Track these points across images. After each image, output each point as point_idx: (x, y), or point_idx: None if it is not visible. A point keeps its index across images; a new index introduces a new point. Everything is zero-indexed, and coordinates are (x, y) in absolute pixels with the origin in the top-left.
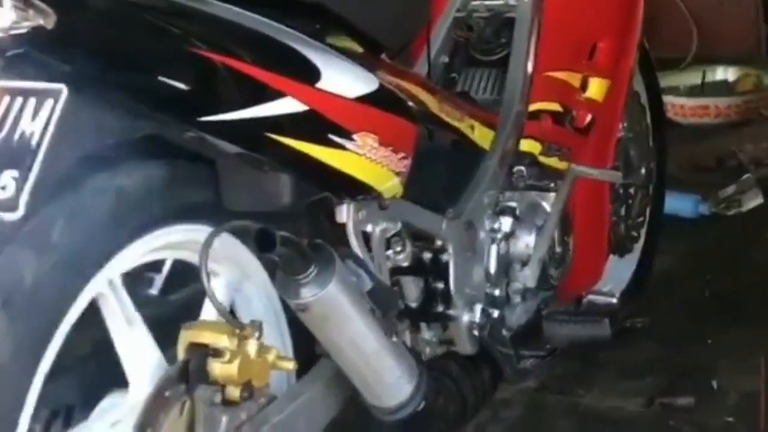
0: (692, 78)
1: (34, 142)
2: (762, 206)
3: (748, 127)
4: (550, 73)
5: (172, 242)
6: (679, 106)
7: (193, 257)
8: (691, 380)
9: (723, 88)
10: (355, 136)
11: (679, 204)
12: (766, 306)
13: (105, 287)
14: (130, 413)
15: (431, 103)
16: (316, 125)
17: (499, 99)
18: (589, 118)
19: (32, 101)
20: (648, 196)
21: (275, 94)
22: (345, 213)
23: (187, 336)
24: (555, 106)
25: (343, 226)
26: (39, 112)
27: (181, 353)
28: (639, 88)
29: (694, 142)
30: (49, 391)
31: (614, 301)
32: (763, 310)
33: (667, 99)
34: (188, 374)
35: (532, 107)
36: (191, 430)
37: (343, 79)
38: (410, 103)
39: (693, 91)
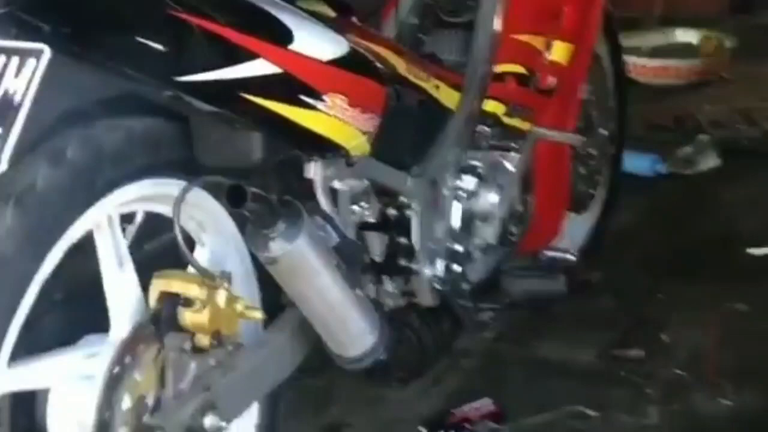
0: (655, 39)
1: (17, 99)
2: (718, 167)
3: (708, 89)
4: (516, 36)
5: (146, 195)
6: (641, 67)
7: (166, 210)
8: (643, 333)
9: (685, 49)
10: (325, 97)
11: (637, 163)
12: (718, 263)
13: (102, 222)
14: (106, 350)
15: (399, 64)
16: (288, 86)
17: (465, 60)
18: (552, 80)
19: (15, 60)
20: (607, 156)
21: (248, 56)
22: (313, 170)
23: (158, 285)
24: (519, 69)
25: (311, 182)
26: (21, 71)
27: (152, 302)
28: (602, 51)
29: (654, 102)
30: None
31: (571, 257)
32: (715, 268)
33: (630, 59)
34: (159, 322)
35: (497, 69)
36: (162, 376)
37: (315, 42)
38: (379, 65)
39: (655, 52)
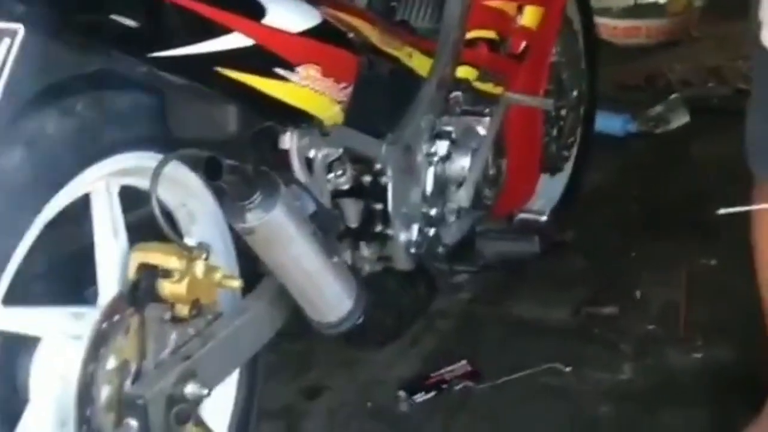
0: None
1: None
2: (688, 125)
3: (678, 48)
4: (487, 2)
5: (124, 168)
6: (611, 27)
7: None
8: (616, 291)
9: (655, 9)
10: (298, 69)
11: (608, 123)
12: (688, 221)
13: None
14: (93, 313)
15: (372, 33)
16: (262, 59)
17: (437, 27)
18: (523, 45)
19: None
20: (579, 117)
21: (222, 30)
22: (288, 140)
23: (137, 257)
24: (491, 34)
25: (286, 152)
26: None
27: (131, 273)
28: (572, 13)
29: (625, 62)
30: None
31: (544, 218)
32: (686, 225)
33: (600, 20)
34: (138, 293)
35: (469, 35)
36: (142, 346)
37: (288, 15)
38: (351, 35)
39: (625, 13)
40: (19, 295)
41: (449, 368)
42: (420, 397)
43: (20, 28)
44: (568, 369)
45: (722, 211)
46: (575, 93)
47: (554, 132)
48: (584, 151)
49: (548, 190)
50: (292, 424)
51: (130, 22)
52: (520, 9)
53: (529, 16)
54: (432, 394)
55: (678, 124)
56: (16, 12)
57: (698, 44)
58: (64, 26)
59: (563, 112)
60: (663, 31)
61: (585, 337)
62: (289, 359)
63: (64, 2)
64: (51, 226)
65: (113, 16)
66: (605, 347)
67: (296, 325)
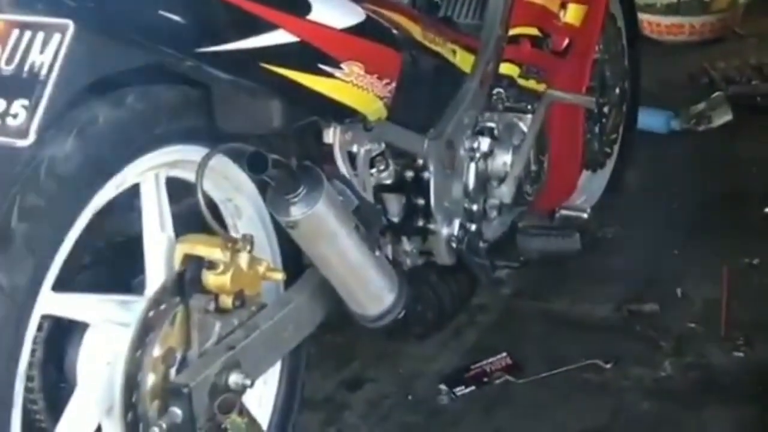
0: None
1: (43, 73)
2: (731, 123)
3: (721, 45)
4: None
5: (171, 161)
6: (655, 24)
7: (189, 175)
8: (657, 288)
9: (698, 6)
10: (342, 65)
11: (651, 120)
12: (731, 218)
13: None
14: (140, 301)
15: (415, 30)
16: (306, 55)
17: (481, 24)
18: (566, 41)
19: (41, 35)
20: (621, 114)
21: (268, 27)
22: (332, 135)
23: (182, 248)
24: (534, 31)
25: (330, 147)
26: (47, 46)
27: (176, 264)
28: (615, 10)
29: (668, 59)
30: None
31: (586, 215)
32: (728, 223)
33: (644, 17)
34: (183, 284)
35: (512, 32)
36: (187, 335)
37: (332, 12)
38: (395, 32)
39: (669, 9)
40: (68, 282)
41: (489, 360)
42: (460, 391)
43: (70, 24)
44: (608, 365)
45: None
46: (618, 90)
47: (596, 129)
48: (626, 148)
49: (590, 186)
50: (333, 415)
51: (178, 18)
52: (563, 6)
53: (573, 13)
54: (472, 387)
55: (721, 122)
56: (66, 8)
57: (742, 41)
58: (112, 22)
59: (606, 109)
60: (706, 28)
61: (626, 333)
62: (331, 351)
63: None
64: (100, 215)
65: (161, 12)
66: (646, 344)
67: (338, 317)
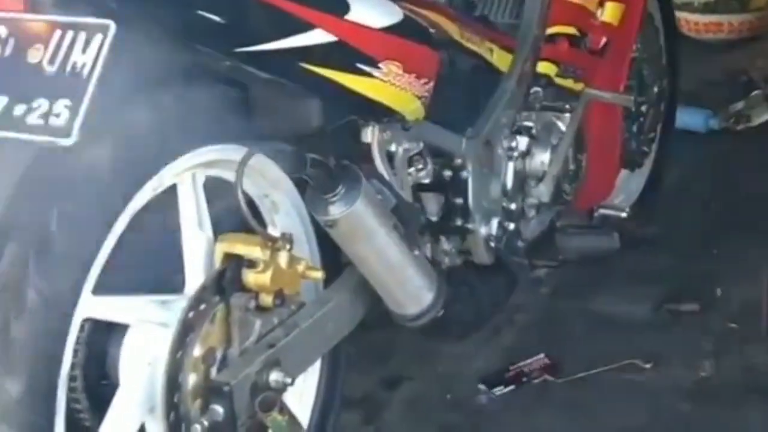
0: None
1: (85, 73)
2: None
3: (760, 44)
4: None
5: (209, 160)
6: (693, 22)
7: (226, 174)
8: (697, 288)
9: (737, 4)
10: (380, 65)
11: (689, 118)
12: None
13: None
14: (180, 301)
15: (452, 29)
16: (345, 55)
17: (518, 23)
18: (603, 40)
19: (83, 35)
20: (660, 113)
21: (307, 26)
22: (370, 134)
23: (222, 247)
24: (571, 30)
25: (368, 146)
26: (89, 46)
27: (217, 263)
28: (653, 9)
29: (706, 57)
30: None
31: (624, 214)
32: (766, 222)
33: (681, 15)
34: (224, 283)
35: (549, 30)
36: (227, 334)
37: (370, 11)
38: (432, 31)
39: (707, 8)
40: (108, 284)
41: (528, 361)
42: (499, 390)
43: (111, 24)
44: (648, 365)
45: None
46: (656, 89)
47: (634, 128)
48: (665, 147)
49: (628, 185)
50: (371, 413)
51: (217, 18)
52: (601, 5)
53: (610, 12)
54: (511, 387)
55: (760, 121)
56: (107, 8)
57: None
58: (153, 23)
59: (644, 108)
60: (745, 26)
61: (665, 333)
62: (370, 350)
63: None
64: (139, 216)
65: (201, 13)
66: (686, 344)
67: (377, 316)
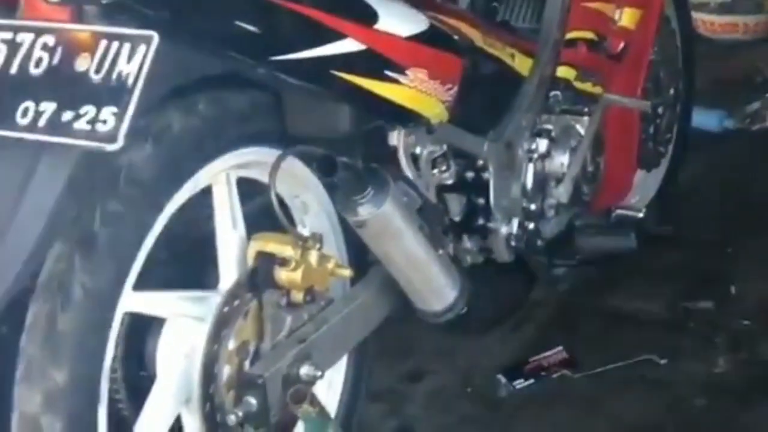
0: None
1: (130, 81)
2: None
3: None
4: (586, 4)
5: (243, 162)
6: (709, 23)
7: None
8: (711, 286)
9: (752, 5)
10: (407, 71)
11: (705, 119)
12: None
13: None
14: (215, 296)
15: (475, 36)
16: (373, 62)
17: (538, 27)
18: (621, 45)
19: (127, 46)
20: (676, 114)
21: (337, 36)
22: (396, 138)
23: (255, 246)
24: (590, 35)
25: (394, 149)
26: (134, 56)
27: (250, 261)
28: (670, 12)
29: (722, 58)
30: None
31: (641, 214)
32: None
33: (697, 15)
34: (257, 280)
35: (569, 35)
36: (260, 329)
37: (398, 20)
38: (456, 38)
39: (723, 8)
40: (147, 280)
41: (546, 354)
42: (519, 384)
43: (155, 35)
44: (663, 361)
45: None
46: (672, 91)
47: (651, 129)
48: (680, 148)
49: (645, 185)
50: (394, 406)
51: (253, 29)
52: (618, 9)
53: (628, 17)
54: (531, 381)
55: None
56: (149, 19)
57: None
58: (193, 33)
59: (660, 110)
60: (761, 27)
61: (681, 330)
62: (393, 344)
63: (192, 11)
64: (176, 216)
65: (238, 23)
66: (701, 341)
67: (400, 311)
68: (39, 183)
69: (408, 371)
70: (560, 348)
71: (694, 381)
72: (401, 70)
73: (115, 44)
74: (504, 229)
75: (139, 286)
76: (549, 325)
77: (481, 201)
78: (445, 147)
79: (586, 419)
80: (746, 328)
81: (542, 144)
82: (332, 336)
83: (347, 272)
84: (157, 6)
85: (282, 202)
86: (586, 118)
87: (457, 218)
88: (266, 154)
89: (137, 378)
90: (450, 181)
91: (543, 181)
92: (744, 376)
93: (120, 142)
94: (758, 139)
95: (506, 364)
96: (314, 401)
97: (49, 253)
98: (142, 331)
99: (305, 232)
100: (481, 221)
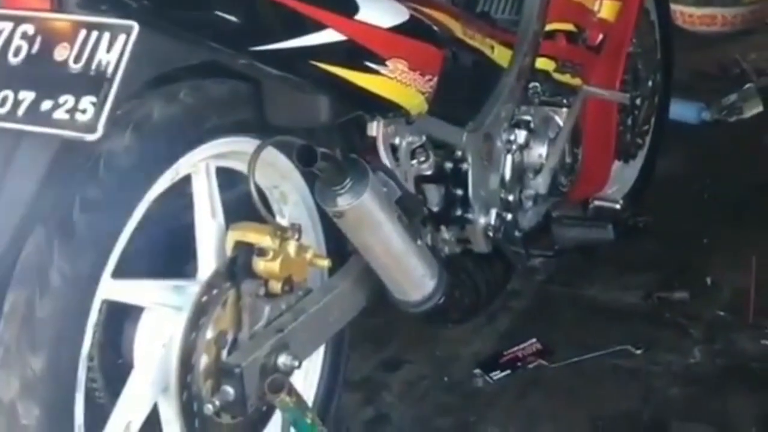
0: None
1: (109, 71)
2: (762, 114)
3: (753, 37)
4: None
5: (222, 152)
6: (687, 15)
7: (238, 165)
8: (687, 276)
9: None
10: (387, 62)
11: (683, 110)
12: (760, 208)
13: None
14: (193, 286)
15: (455, 27)
16: (354, 53)
17: (518, 19)
18: (600, 37)
19: (107, 35)
20: (653, 106)
21: (317, 26)
22: (376, 129)
23: (233, 236)
24: (569, 26)
25: (374, 140)
26: (113, 45)
27: (228, 251)
28: (649, 4)
29: (700, 50)
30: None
31: (618, 206)
32: (757, 212)
33: (676, 7)
34: (235, 270)
35: (548, 27)
36: (238, 319)
37: (378, 12)
38: (436, 29)
39: (701, 0)
40: (125, 268)
41: (521, 346)
42: (495, 375)
43: (135, 25)
44: (639, 351)
45: None
46: (650, 83)
47: (629, 121)
48: (658, 139)
49: (622, 176)
50: (371, 395)
51: (234, 18)
52: (598, 2)
53: (608, 9)
54: (507, 371)
55: (751, 113)
56: (130, 9)
57: None
58: (173, 22)
59: (638, 101)
60: (738, 19)
61: (656, 320)
62: (371, 334)
63: (172, 1)
64: (155, 205)
65: (218, 13)
66: (676, 331)
67: (377, 301)
68: (18, 170)
69: (384, 360)
70: (534, 340)
71: (669, 371)
72: (381, 61)
73: (95, 34)
74: (482, 220)
75: (117, 274)
76: (525, 315)
77: (460, 192)
78: (424, 138)
79: (562, 409)
80: (722, 318)
81: (521, 135)
82: (310, 326)
83: (325, 262)
84: None
85: (261, 192)
86: (564, 110)
87: (435, 209)
88: (246, 144)
89: (115, 366)
90: (429, 172)
91: (521, 172)
92: (719, 367)
93: (99, 132)
94: (735, 131)
95: (483, 354)
96: (292, 391)
97: (27, 241)
98: (120, 319)
99: (284, 222)
100: (459, 212)
